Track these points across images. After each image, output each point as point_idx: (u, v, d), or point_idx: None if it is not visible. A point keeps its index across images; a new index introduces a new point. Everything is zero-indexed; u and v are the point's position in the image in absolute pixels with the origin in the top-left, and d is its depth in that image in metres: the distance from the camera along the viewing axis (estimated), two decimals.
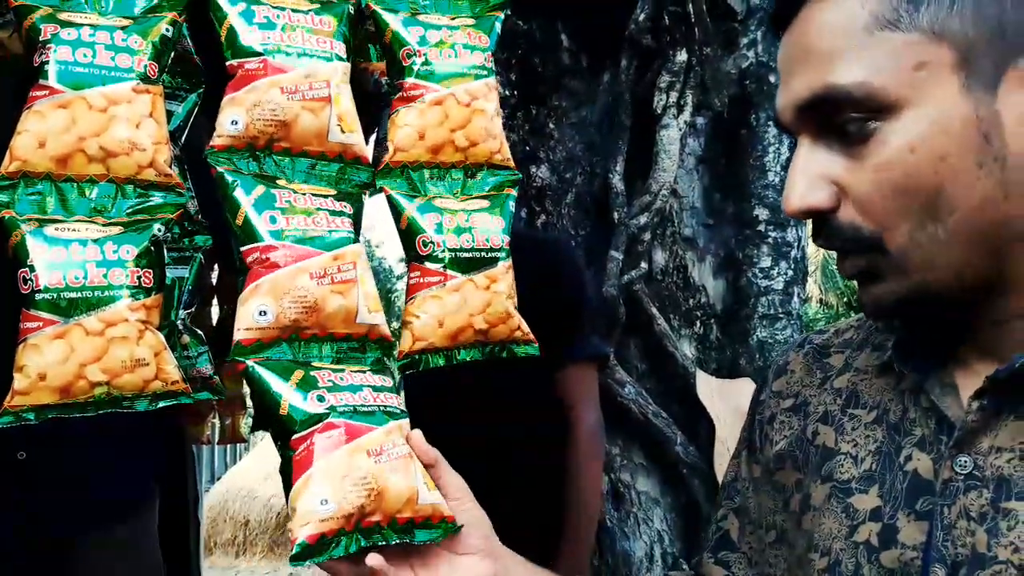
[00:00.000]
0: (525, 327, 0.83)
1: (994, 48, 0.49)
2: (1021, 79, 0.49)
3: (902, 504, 0.55)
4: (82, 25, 0.72)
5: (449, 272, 0.80)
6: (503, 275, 0.82)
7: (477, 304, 0.80)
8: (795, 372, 0.68)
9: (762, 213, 2.09)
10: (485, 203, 0.84)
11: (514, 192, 0.86)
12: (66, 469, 1.37)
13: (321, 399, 0.70)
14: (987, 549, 0.50)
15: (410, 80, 0.83)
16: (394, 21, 0.84)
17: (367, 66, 1.07)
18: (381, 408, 0.73)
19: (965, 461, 0.52)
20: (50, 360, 0.66)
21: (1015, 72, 0.49)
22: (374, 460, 0.69)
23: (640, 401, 1.93)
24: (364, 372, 0.75)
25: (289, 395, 0.70)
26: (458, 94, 0.83)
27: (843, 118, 0.51)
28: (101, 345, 0.67)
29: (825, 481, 0.60)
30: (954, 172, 0.49)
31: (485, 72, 0.85)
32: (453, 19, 0.86)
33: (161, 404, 0.72)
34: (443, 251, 0.81)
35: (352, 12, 0.84)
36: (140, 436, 1.51)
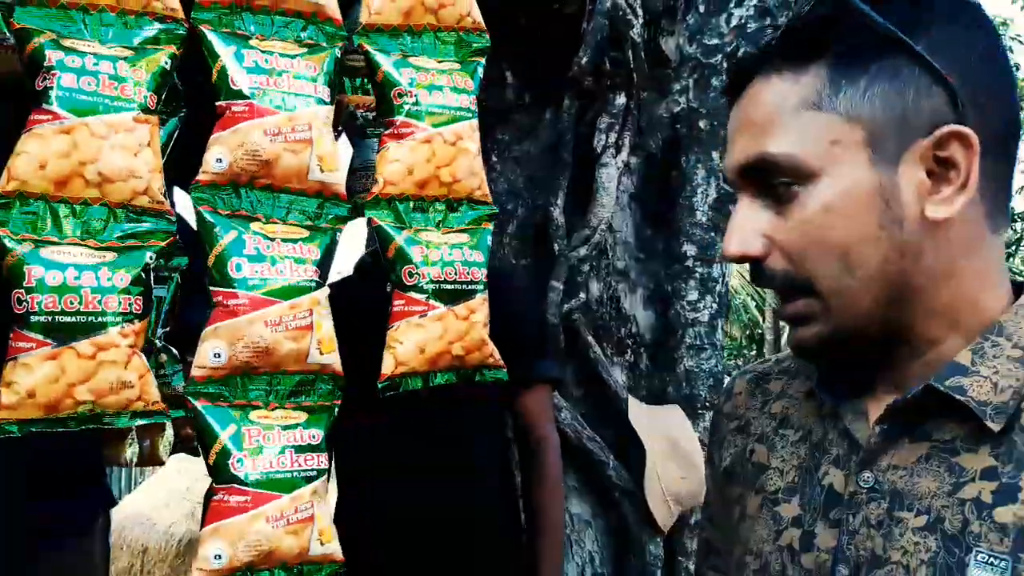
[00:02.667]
0: (496, 354, 0.89)
1: (896, 131, 0.57)
2: (917, 157, 0.58)
3: (819, 513, 0.63)
4: (86, 53, 0.74)
5: (432, 302, 0.85)
6: (480, 306, 0.88)
7: (456, 332, 0.86)
8: (740, 396, 0.77)
9: (690, 249, 2.21)
10: (465, 237, 0.90)
11: (490, 226, 0.92)
12: (10, 495, 1.33)
13: (241, 462, 0.78)
14: (883, 552, 0.58)
15: (400, 118, 0.88)
16: (386, 62, 0.89)
17: (342, 98, 1.12)
18: (295, 473, 0.80)
19: (868, 476, 0.60)
20: (40, 379, 0.67)
21: (912, 152, 0.58)
22: (272, 526, 0.77)
23: (575, 426, 2.00)
24: (296, 427, 0.81)
25: (218, 447, 0.78)
26: (445, 133, 0.89)
27: (774, 181, 0.60)
28: (91, 368, 0.69)
29: (758, 493, 0.68)
30: (860, 232, 0.58)
31: (469, 114, 0.91)
32: (440, 62, 0.92)
33: (139, 422, 0.74)
34: (428, 282, 0.86)
35: (339, 55, 0.89)
36: (86, 465, 1.49)
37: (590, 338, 2.09)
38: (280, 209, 0.82)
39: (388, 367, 0.84)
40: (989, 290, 0.60)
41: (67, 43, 0.75)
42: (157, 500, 6.12)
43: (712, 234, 2.19)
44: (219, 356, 0.77)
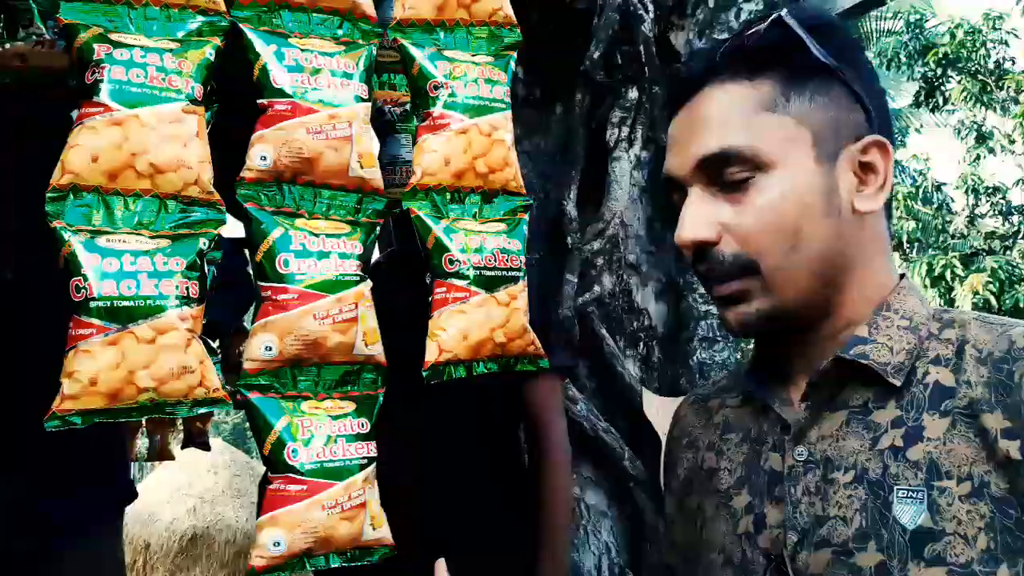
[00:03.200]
0: (538, 342, 0.90)
1: (832, 135, 0.68)
2: (848, 159, 0.68)
3: (765, 496, 0.69)
4: (133, 46, 0.75)
5: (474, 288, 0.87)
6: (520, 293, 0.89)
7: (498, 319, 0.87)
8: (686, 417, 0.85)
9: None
10: (503, 226, 0.92)
11: (526, 216, 0.94)
12: (28, 491, 1.35)
13: (295, 452, 0.80)
14: (822, 512, 0.65)
15: (436, 110, 0.90)
16: (420, 56, 0.90)
17: (374, 95, 1.13)
18: (347, 462, 0.82)
19: (801, 451, 0.68)
20: (102, 365, 0.68)
21: (844, 154, 0.68)
22: (327, 513, 0.79)
23: (591, 418, 2.02)
24: (346, 416, 0.83)
25: (273, 438, 0.80)
26: (481, 125, 0.90)
27: (729, 172, 0.68)
28: (151, 352, 0.70)
29: (712, 495, 0.75)
30: (809, 217, 0.67)
31: (503, 105, 0.93)
32: (473, 56, 0.94)
33: (199, 411, 0.75)
34: (468, 268, 0.87)
35: (375, 53, 0.90)
36: (104, 460, 1.50)
37: (603, 331, 2.11)
38: (322, 204, 0.84)
39: (432, 354, 0.86)
40: (886, 275, 0.71)
41: (114, 37, 0.76)
42: (159, 496, 6.16)
43: None
44: (270, 349, 0.79)
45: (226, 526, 6.07)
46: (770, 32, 0.69)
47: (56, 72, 0.95)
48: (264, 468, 0.80)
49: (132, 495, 1.70)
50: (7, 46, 0.90)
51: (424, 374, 0.86)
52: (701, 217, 0.69)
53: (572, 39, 2.16)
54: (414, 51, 0.91)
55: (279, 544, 0.76)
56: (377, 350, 0.84)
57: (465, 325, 0.86)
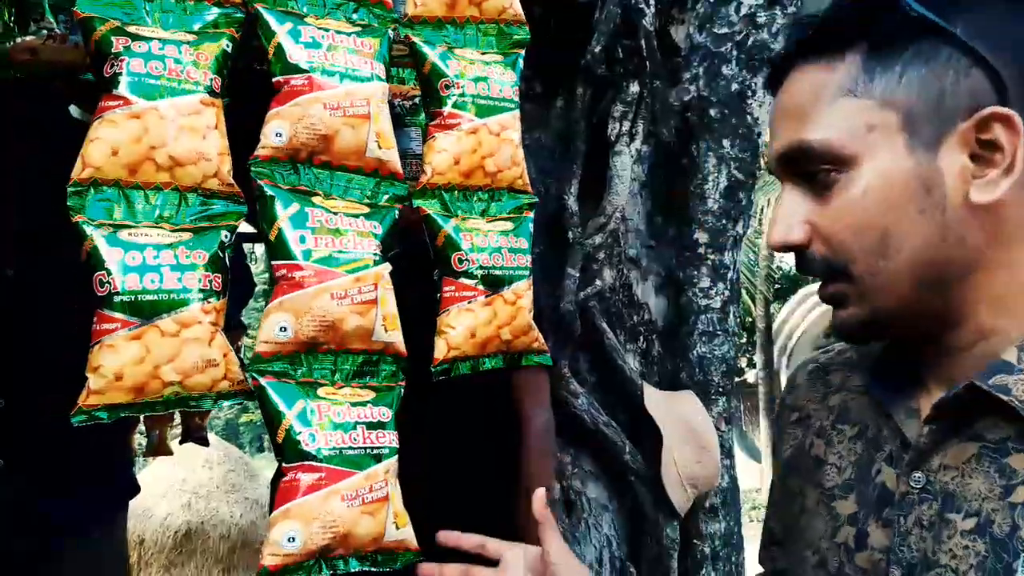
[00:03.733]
0: (541, 339, 0.91)
1: (934, 115, 0.58)
2: (958, 141, 0.57)
3: (873, 511, 0.63)
4: (151, 39, 0.75)
5: (482, 287, 0.87)
6: (526, 291, 0.90)
7: (504, 317, 0.88)
8: (801, 387, 0.77)
9: (702, 237, 2.24)
10: (509, 224, 0.92)
11: (531, 214, 0.94)
12: (28, 491, 1.35)
13: (312, 438, 0.75)
14: (933, 554, 0.58)
15: (447, 109, 0.90)
16: (432, 54, 0.91)
17: None
18: (368, 450, 0.77)
19: (919, 477, 0.60)
20: (126, 360, 0.68)
21: (953, 135, 0.57)
22: (347, 504, 0.74)
23: (591, 411, 2.02)
24: (366, 403, 0.79)
25: (287, 424, 0.76)
26: (490, 124, 0.91)
27: (813, 168, 0.61)
28: (176, 346, 0.70)
29: (816, 488, 0.69)
30: (898, 216, 0.58)
31: (512, 105, 0.93)
32: (483, 54, 0.94)
33: (224, 404, 0.75)
34: (477, 268, 0.87)
35: (392, 37, 0.90)
36: (104, 458, 1.50)
37: (604, 325, 2.11)
38: (338, 187, 0.83)
39: (441, 351, 0.86)
40: None
41: (131, 29, 0.76)
42: (154, 491, 6.13)
43: (723, 221, 2.21)
44: (285, 330, 0.76)
45: (220, 521, 6.05)
46: None
47: (66, 66, 0.94)
48: (260, 467, 0.78)
49: (134, 490, 1.69)
50: (18, 40, 0.89)
51: (433, 370, 0.86)
52: (788, 217, 0.62)
53: (573, 33, 2.16)
54: (426, 49, 0.91)
55: (294, 539, 0.70)
56: (396, 337, 0.82)
57: (473, 323, 0.86)
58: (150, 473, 6.24)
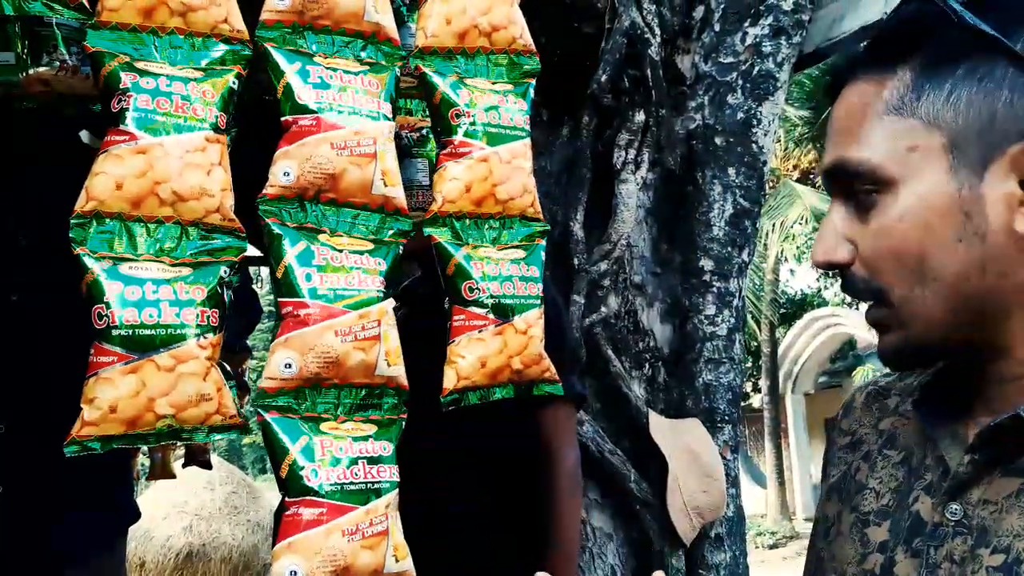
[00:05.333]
0: (552, 368, 0.91)
1: (983, 137, 0.54)
2: (1007, 166, 0.53)
3: (903, 540, 0.60)
4: (159, 75, 0.76)
5: (492, 316, 0.87)
6: (537, 320, 0.89)
7: (515, 346, 0.87)
8: (856, 410, 0.74)
9: (707, 264, 2.23)
10: (521, 252, 0.92)
11: (543, 242, 0.94)
12: (32, 514, 1.34)
13: (315, 473, 0.77)
14: None
15: (458, 138, 0.90)
16: (443, 84, 0.91)
17: None
18: (368, 485, 0.79)
19: (956, 509, 0.56)
20: (122, 393, 0.68)
21: (1002, 160, 0.54)
22: (347, 540, 0.76)
23: (597, 439, 2.01)
24: (367, 439, 0.81)
25: (290, 460, 0.77)
26: (501, 153, 0.91)
27: (856, 187, 0.59)
28: (171, 380, 0.70)
29: (852, 511, 0.66)
30: (936, 243, 0.55)
31: (523, 133, 0.94)
32: (494, 84, 0.94)
33: (216, 437, 0.75)
34: (488, 296, 0.87)
35: (399, 75, 0.91)
36: (103, 484, 1.50)
37: (610, 352, 2.11)
38: (344, 224, 0.84)
39: (450, 381, 0.86)
40: None
41: (140, 65, 0.77)
42: (155, 513, 6.13)
43: (729, 249, 2.21)
44: (290, 367, 0.77)
45: (222, 543, 6.02)
46: (906, 8, 0.57)
47: (78, 97, 0.96)
48: (262, 489, 0.78)
49: (135, 516, 1.68)
50: (31, 71, 0.90)
51: (442, 400, 0.86)
52: (832, 236, 0.60)
53: (579, 62, 2.17)
54: (436, 79, 0.92)
55: (296, 573, 0.73)
56: (398, 371, 0.83)
57: (483, 352, 0.86)
58: (152, 495, 6.24)
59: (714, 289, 2.22)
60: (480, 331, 0.86)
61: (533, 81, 0.98)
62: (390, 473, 0.81)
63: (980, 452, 0.57)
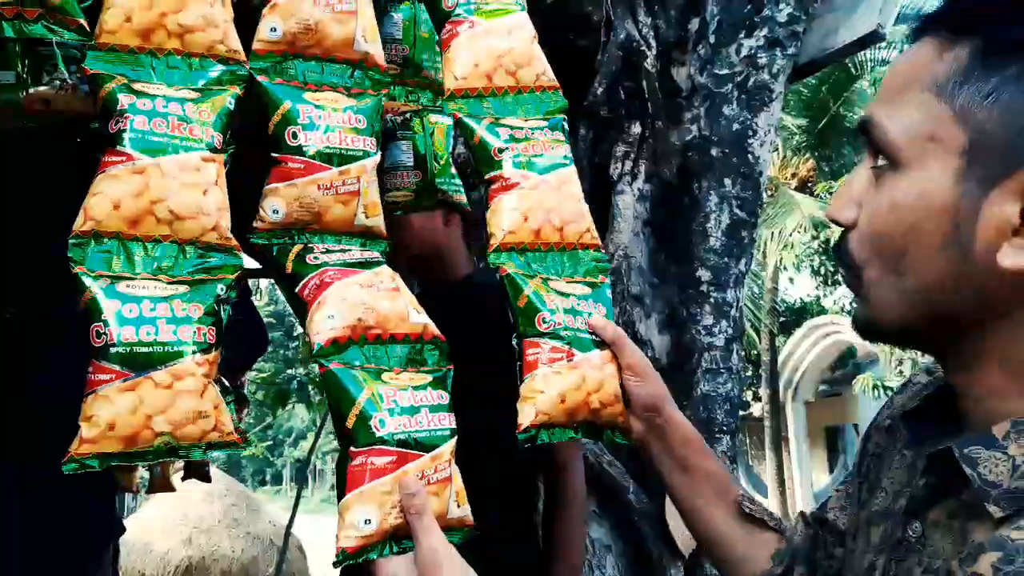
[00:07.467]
0: (626, 414, 0.88)
1: (1005, 150, 0.49)
2: (1016, 189, 0.49)
3: (887, 548, 0.59)
4: (156, 96, 0.77)
5: (572, 350, 0.86)
6: (612, 359, 0.89)
7: (593, 383, 0.86)
8: (895, 402, 0.72)
9: (704, 274, 2.24)
10: (588, 289, 0.92)
11: (608, 280, 0.95)
12: (14, 532, 1.34)
13: (383, 423, 0.77)
14: None
15: (506, 171, 0.92)
16: (479, 127, 0.93)
17: None
18: (432, 433, 0.79)
19: (916, 527, 0.56)
20: (120, 411, 0.69)
21: (1013, 181, 0.49)
22: None
23: (595, 451, 2.01)
24: (425, 387, 0.81)
25: (357, 410, 0.77)
26: (550, 179, 0.93)
27: (873, 149, 0.56)
28: (169, 397, 0.71)
29: (863, 508, 0.66)
30: (919, 245, 0.53)
31: (567, 161, 0.96)
32: (526, 120, 0.96)
33: (212, 454, 0.76)
34: (564, 329, 0.87)
35: (383, 104, 0.93)
36: (98, 492, 1.50)
37: None
38: (329, 239, 0.89)
39: (527, 418, 0.83)
40: None
41: (137, 86, 0.78)
42: (154, 526, 6.12)
43: (726, 259, 2.22)
44: (333, 317, 0.79)
45: (222, 556, 6.00)
46: None
47: (78, 115, 0.97)
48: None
49: (118, 530, 1.68)
50: (31, 91, 0.92)
51: (519, 437, 0.84)
52: (846, 194, 0.58)
53: (575, 75, 2.19)
54: (471, 122, 0.94)
55: (370, 521, 0.72)
56: (429, 319, 0.84)
57: (563, 387, 0.84)
58: (151, 508, 6.23)
59: (711, 300, 2.22)
60: (558, 364, 0.85)
61: (563, 116, 1.00)
62: (450, 420, 0.80)
63: (931, 474, 0.56)
